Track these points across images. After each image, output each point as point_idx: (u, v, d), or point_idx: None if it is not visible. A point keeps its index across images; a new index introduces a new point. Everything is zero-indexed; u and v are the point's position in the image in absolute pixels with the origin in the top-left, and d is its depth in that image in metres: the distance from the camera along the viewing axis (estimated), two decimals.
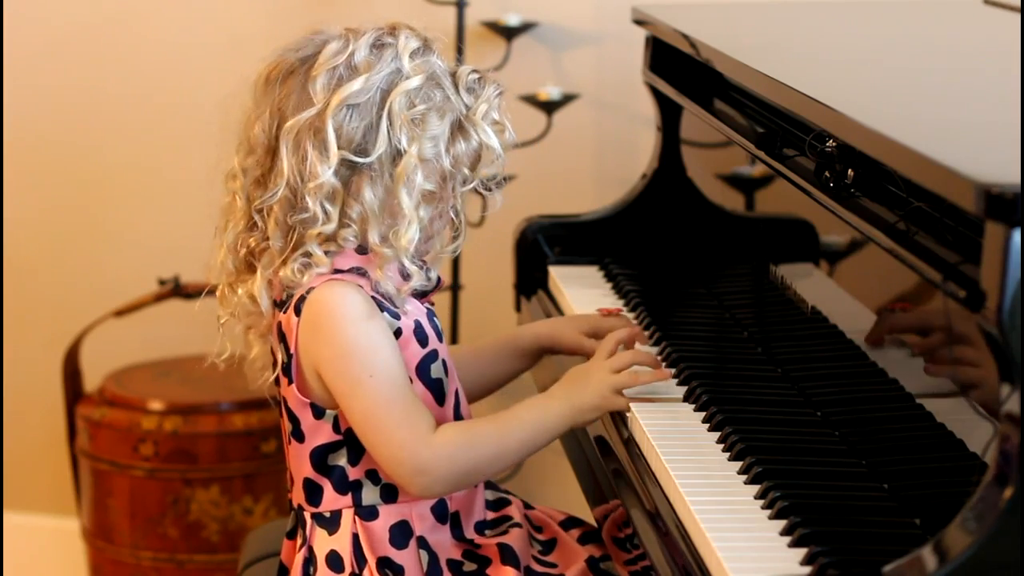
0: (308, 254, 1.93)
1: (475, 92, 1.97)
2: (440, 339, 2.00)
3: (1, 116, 3.38)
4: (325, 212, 1.92)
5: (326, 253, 1.93)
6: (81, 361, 3.27)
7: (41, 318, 3.46)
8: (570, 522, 2.11)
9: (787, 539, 1.67)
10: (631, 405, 2.01)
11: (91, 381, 3.29)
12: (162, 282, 3.25)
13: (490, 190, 2.02)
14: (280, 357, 1.97)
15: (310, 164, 1.91)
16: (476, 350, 2.16)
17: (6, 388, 3.51)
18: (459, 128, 1.95)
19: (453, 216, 1.98)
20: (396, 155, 1.92)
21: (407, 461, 1.90)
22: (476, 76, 1.98)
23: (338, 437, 1.95)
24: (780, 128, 2.15)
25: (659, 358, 2.13)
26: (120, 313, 3.26)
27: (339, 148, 1.91)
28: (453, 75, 1.97)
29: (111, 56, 3.35)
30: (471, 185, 1.97)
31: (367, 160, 1.91)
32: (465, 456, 1.91)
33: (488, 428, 1.95)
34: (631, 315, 2.39)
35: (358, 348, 1.90)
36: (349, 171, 1.92)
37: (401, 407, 1.90)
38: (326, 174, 1.91)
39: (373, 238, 1.92)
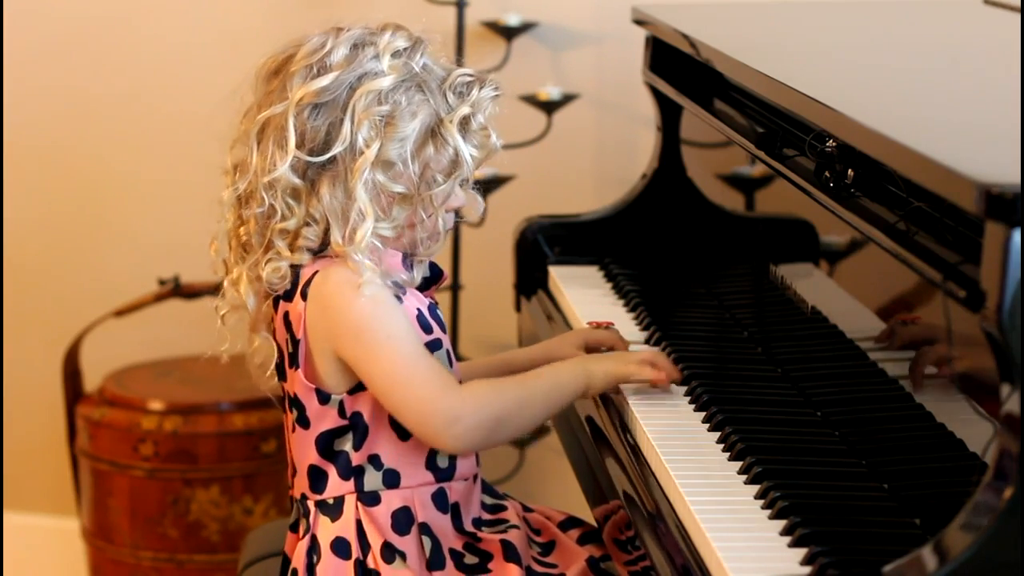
0: (279, 252, 1.94)
1: (462, 95, 1.95)
2: (444, 331, 2.00)
3: (1, 116, 3.38)
4: (287, 207, 1.93)
5: (309, 251, 1.94)
6: (81, 361, 3.27)
7: (41, 318, 3.46)
8: (569, 522, 2.11)
9: (787, 539, 1.67)
10: (632, 405, 2.01)
11: (91, 381, 3.29)
12: (162, 282, 3.25)
13: (476, 190, 2.01)
14: (286, 347, 1.97)
15: (270, 159, 1.92)
16: (470, 370, 2.15)
17: (6, 388, 3.51)
18: (433, 132, 1.93)
19: (427, 218, 1.96)
20: (357, 155, 1.91)
21: (439, 411, 1.90)
22: (467, 79, 1.96)
23: (344, 422, 1.96)
24: (780, 128, 2.15)
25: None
26: (120, 313, 3.26)
27: (298, 146, 1.91)
28: (445, 77, 1.96)
29: (111, 57, 3.35)
30: (441, 188, 1.94)
31: (322, 159, 1.91)
32: (495, 403, 1.93)
33: (511, 380, 1.99)
34: (631, 315, 2.39)
35: (373, 313, 1.90)
36: (314, 170, 1.93)
37: (426, 363, 1.91)
38: (282, 170, 1.91)
39: (334, 237, 1.92)
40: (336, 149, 1.91)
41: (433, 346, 1.97)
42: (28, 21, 3.36)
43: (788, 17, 2.68)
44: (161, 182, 3.37)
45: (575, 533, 2.09)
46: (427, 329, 1.97)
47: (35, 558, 3.54)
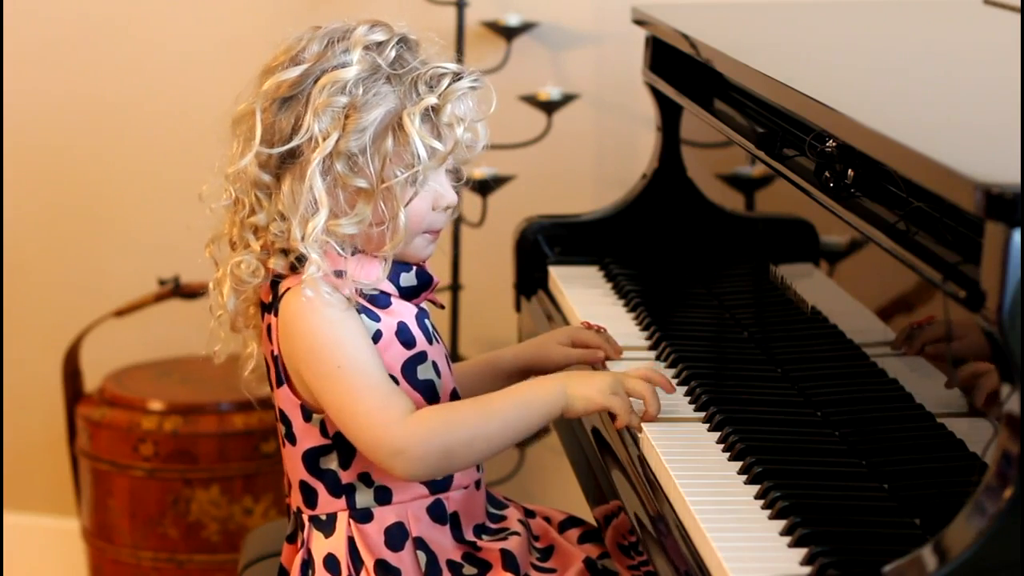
0: (249, 246, 1.93)
1: (432, 88, 1.91)
2: (431, 341, 1.98)
3: (1, 116, 3.38)
4: (256, 201, 1.92)
5: (283, 254, 1.93)
6: (81, 361, 3.27)
7: (41, 318, 3.46)
8: (570, 522, 2.11)
9: (787, 539, 1.67)
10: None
11: (91, 381, 3.29)
12: (162, 282, 3.25)
13: (455, 184, 1.97)
14: (270, 360, 1.97)
15: (238, 152, 1.92)
16: (457, 372, 2.12)
17: (6, 388, 3.51)
18: (395, 126, 1.89)
19: (390, 217, 1.90)
20: (317, 147, 1.89)
21: (383, 443, 1.86)
22: (440, 72, 1.91)
23: (327, 441, 1.95)
24: (780, 128, 2.15)
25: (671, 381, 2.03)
26: (120, 313, 3.26)
27: (262, 140, 1.90)
28: (420, 71, 1.91)
29: (112, 57, 3.35)
30: (397, 181, 1.89)
31: (282, 149, 1.90)
32: (442, 435, 1.87)
33: (469, 406, 1.92)
34: (631, 315, 2.39)
35: (324, 340, 1.88)
36: (283, 166, 1.92)
37: (375, 393, 1.87)
38: (243, 163, 1.91)
39: (294, 233, 1.90)
40: (297, 140, 1.89)
41: (416, 360, 1.95)
42: (29, 22, 3.36)
43: (788, 17, 2.68)
44: (161, 182, 3.37)
45: (575, 533, 2.08)
46: (409, 344, 1.95)
47: (35, 558, 3.54)
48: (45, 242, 3.44)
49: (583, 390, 1.92)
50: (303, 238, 1.89)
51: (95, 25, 3.34)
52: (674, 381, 2.10)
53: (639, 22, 2.66)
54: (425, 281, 1.99)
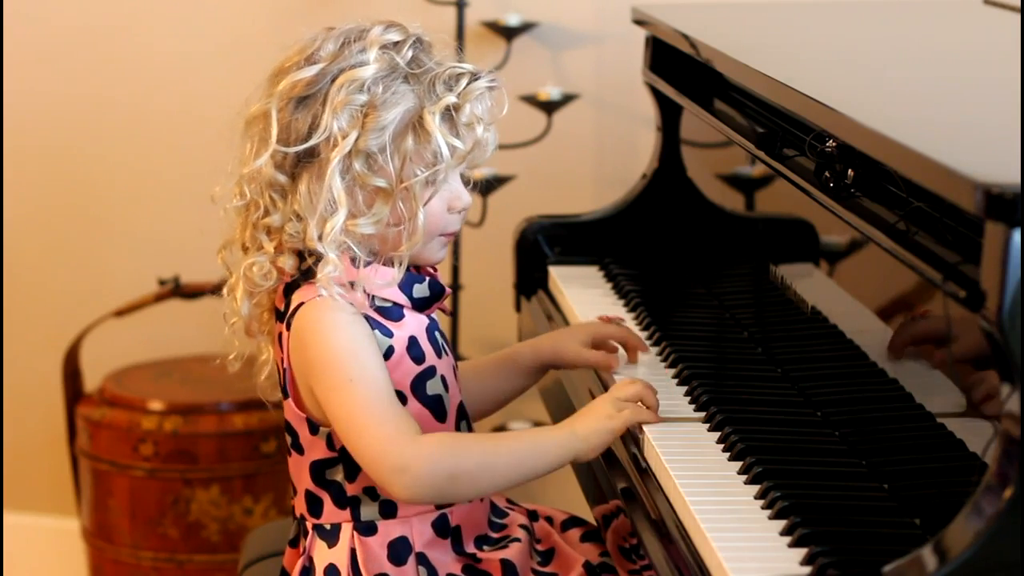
0: (262, 248, 1.92)
1: (451, 87, 1.90)
2: (440, 355, 1.97)
3: (1, 116, 3.38)
4: (271, 202, 1.91)
5: (297, 255, 1.92)
6: (81, 361, 3.27)
7: (41, 318, 3.46)
8: (572, 522, 2.10)
9: (787, 539, 1.67)
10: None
11: (91, 381, 3.29)
12: (162, 282, 3.25)
13: (470, 187, 1.97)
14: (280, 369, 1.96)
15: (252, 153, 1.91)
16: (476, 368, 2.12)
17: (6, 388, 3.51)
18: (415, 125, 1.89)
19: (409, 218, 1.90)
20: (335, 146, 1.88)
21: (387, 458, 1.84)
22: (458, 72, 1.91)
23: (333, 454, 1.94)
24: (780, 128, 2.15)
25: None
26: (120, 313, 3.26)
27: (279, 140, 1.89)
28: (437, 71, 1.91)
29: (112, 57, 3.35)
30: (417, 180, 1.88)
31: (301, 148, 1.89)
32: (449, 460, 1.85)
33: (479, 438, 1.93)
34: (631, 315, 2.39)
35: (339, 353, 1.87)
36: (299, 166, 1.90)
37: (384, 408, 1.86)
38: (260, 163, 1.90)
39: (310, 233, 1.88)
40: (315, 139, 1.88)
41: (425, 375, 1.94)
42: (29, 23, 3.36)
43: (788, 17, 2.68)
44: (161, 182, 3.37)
45: (576, 533, 2.08)
46: (419, 359, 1.94)
47: (35, 558, 3.54)
48: (45, 242, 3.44)
49: (591, 425, 1.92)
50: (321, 238, 1.88)
51: (95, 25, 3.34)
52: (673, 381, 2.11)
53: (639, 22, 2.66)
54: (438, 292, 1.98)
